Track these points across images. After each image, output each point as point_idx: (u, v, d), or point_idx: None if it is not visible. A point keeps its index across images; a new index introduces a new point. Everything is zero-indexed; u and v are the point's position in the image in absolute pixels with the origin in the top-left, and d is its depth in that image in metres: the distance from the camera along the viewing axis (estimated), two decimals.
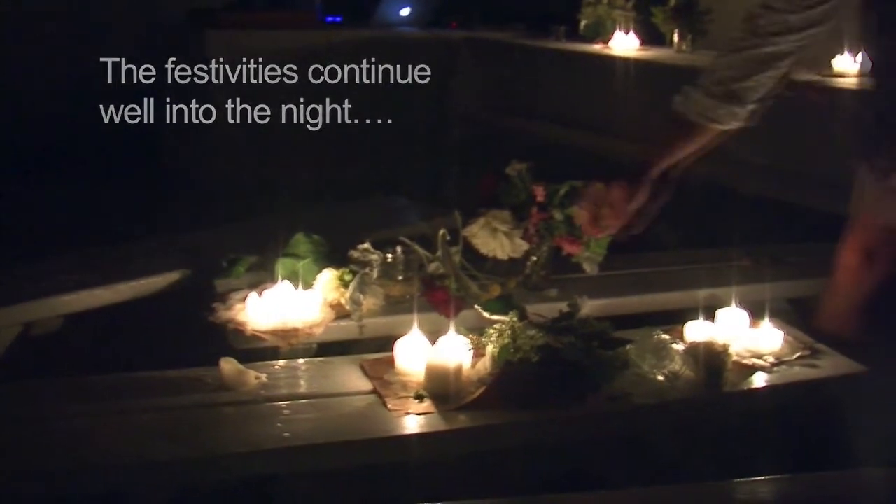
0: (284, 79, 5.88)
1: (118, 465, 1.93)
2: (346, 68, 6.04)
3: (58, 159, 5.99)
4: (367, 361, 2.36)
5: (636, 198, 2.51)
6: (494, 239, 2.71)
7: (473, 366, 2.25)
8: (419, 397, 2.17)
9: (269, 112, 5.80)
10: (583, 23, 5.65)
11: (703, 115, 2.45)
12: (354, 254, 2.65)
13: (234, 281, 2.80)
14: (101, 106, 6.68)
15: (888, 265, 2.74)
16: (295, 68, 5.92)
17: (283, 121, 5.80)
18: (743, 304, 2.57)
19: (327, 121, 5.90)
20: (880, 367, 2.51)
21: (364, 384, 2.26)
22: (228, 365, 2.24)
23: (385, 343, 2.41)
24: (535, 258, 2.82)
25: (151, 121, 6.45)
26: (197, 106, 6.00)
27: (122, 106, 6.68)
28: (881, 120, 2.43)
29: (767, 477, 2.04)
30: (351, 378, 2.29)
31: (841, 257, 2.78)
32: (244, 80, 5.80)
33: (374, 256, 2.64)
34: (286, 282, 2.57)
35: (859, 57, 4.38)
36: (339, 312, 2.58)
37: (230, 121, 5.79)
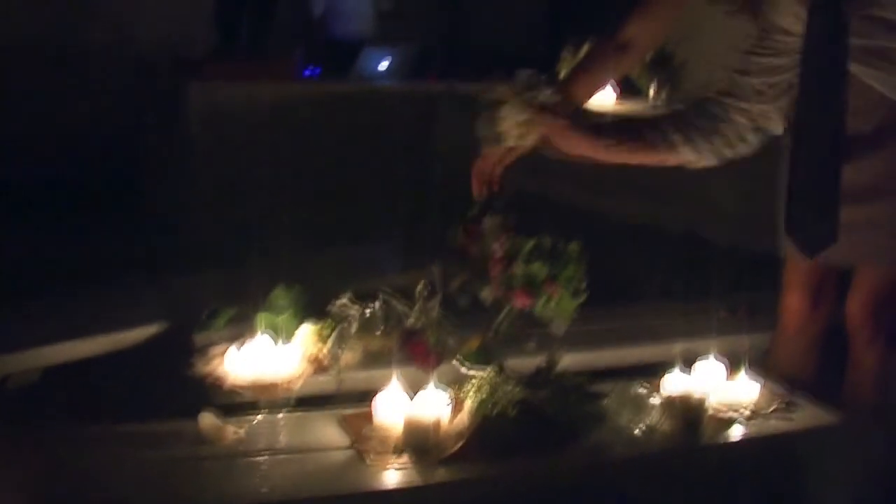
0: (264, 130, 5.92)
1: None
2: (326, 120, 6.09)
3: (36, 206, 5.97)
4: (346, 416, 2.36)
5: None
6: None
7: (452, 420, 2.26)
8: (398, 451, 2.17)
9: (248, 162, 5.83)
10: (561, 74, 5.70)
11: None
12: (333, 307, 2.66)
13: (214, 334, 2.80)
14: (82, 153, 6.71)
15: (833, 305, 2.78)
16: (275, 119, 5.97)
17: (263, 171, 5.82)
18: (720, 355, 2.59)
19: (306, 172, 5.93)
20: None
21: (343, 438, 2.27)
22: (207, 418, 2.25)
23: (364, 397, 2.42)
24: (505, 312, 2.82)
25: (132, 169, 6.48)
26: (178, 155, 6.03)
27: (103, 154, 6.71)
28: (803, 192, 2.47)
29: None
30: (330, 432, 2.30)
31: (784, 301, 2.82)
32: (225, 131, 5.84)
33: (353, 310, 2.65)
34: (265, 335, 2.58)
35: None
36: (318, 366, 2.58)
37: (210, 170, 5.82)
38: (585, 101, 2.87)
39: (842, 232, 2.57)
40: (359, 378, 2.59)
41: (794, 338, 2.83)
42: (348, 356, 2.59)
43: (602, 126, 2.69)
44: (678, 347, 2.68)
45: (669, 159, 2.60)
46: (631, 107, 5.03)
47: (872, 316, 2.65)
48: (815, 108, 2.38)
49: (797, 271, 2.80)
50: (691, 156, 2.57)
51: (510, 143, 2.66)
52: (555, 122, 2.61)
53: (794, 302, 2.81)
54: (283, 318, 2.68)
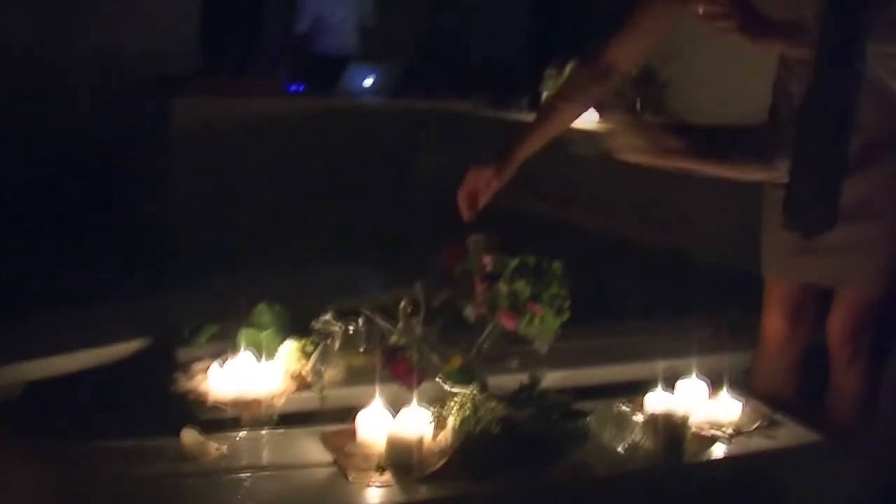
0: (249, 145, 5.93)
1: None
2: (310, 136, 6.10)
3: (19, 224, 5.95)
4: (329, 433, 2.36)
5: None
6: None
7: (435, 437, 2.26)
8: (380, 469, 2.17)
9: (232, 178, 5.83)
10: (545, 94, 5.71)
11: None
12: (316, 325, 2.66)
13: (196, 350, 2.79)
14: (66, 168, 6.69)
15: (813, 325, 2.79)
16: (259, 135, 5.97)
17: (247, 187, 5.83)
18: (702, 374, 2.60)
19: (290, 188, 5.94)
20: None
21: (325, 455, 2.26)
22: (189, 435, 2.24)
23: (347, 414, 2.41)
24: (487, 330, 2.81)
25: (115, 184, 6.47)
26: (162, 171, 6.02)
27: (88, 169, 6.69)
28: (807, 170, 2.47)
29: None
30: (312, 449, 2.30)
31: (765, 322, 2.83)
32: (209, 147, 5.84)
33: (336, 327, 2.65)
34: (248, 352, 2.58)
35: None
36: (301, 383, 2.58)
37: (194, 186, 5.82)
38: (568, 125, 2.87)
39: (821, 252, 2.59)
40: (342, 395, 2.59)
41: (775, 358, 2.84)
42: (331, 373, 2.59)
43: (707, 135, 2.67)
44: (661, 366, 2.69)
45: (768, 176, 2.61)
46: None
47: (853, 335, 2.66)
48: (826, 87, 2.37)
49: (777, 292, 2.81)
50: None
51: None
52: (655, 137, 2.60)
53: (773, 322, 2.82)
54: (265, 335, 2.68)
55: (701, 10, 2.40)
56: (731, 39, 2.45)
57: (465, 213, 2.81)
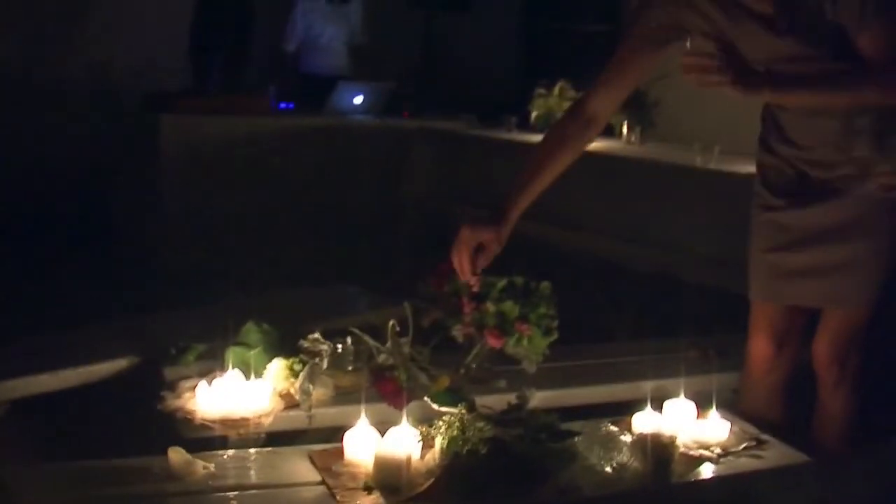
0: (237, 164, 5.93)
1: None
2: (299, 155, 6.10)
3: (7, 240, 5.94)
4: (316, 452, 2.35)
5: None
6: None
7: (422, 457, 2.25)
8: (368, 489, 2.16)
9: (220, 197, 5.83)
10: (534, 114, 5.73)
11: None
12: (304, 344, 2.66)
13: (184, 369, 2.79)
14: (54, 187, 6.68)
15: (799, 348, 2.79)
16: (248, 154, 5.98)
17: (235, 206, 5.83)
18: (690, 395, 2.60)
19: (279, 207, 5.94)
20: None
21: (313, 475, 2.25)
22: (176, 454, 2.23)
23: (334, 434, 2.41)
24: (475, 350, 2.81)
25: (103, 202, 6.46)
26: (149, 189, 6.02)
27: (75, 188, 6.68)
28: None
29: None
30: (299, 469, 2.29)
31: (750, 345, 2.84)
32: (197, 165, 5.84)
33: (324, 347, 2.65)
34: (236, 371, 2.57)
35: None
36: (289, 402, 2.58)
37: (182, 205, 5.82)
38: (558, 175, 2.78)
39: (807, 275, 2.60)
40: (329, 414, 2.59)
41: (761, 381, 2.84)
42: (319, 392, 2.58)
43: None
44: (649, 386, 2.70)
45: None
46: (604, 145, 5.06)
47: (838, 358, 2.67)
48: None
49: (763, 315, 2.81)
50: None
51: None
52: None
53: (759, 346, 2.82)
54: (253, 354, 2.68)
55: (687, 63, 2.41)
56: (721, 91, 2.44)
57: (465, 276, 2.66)
